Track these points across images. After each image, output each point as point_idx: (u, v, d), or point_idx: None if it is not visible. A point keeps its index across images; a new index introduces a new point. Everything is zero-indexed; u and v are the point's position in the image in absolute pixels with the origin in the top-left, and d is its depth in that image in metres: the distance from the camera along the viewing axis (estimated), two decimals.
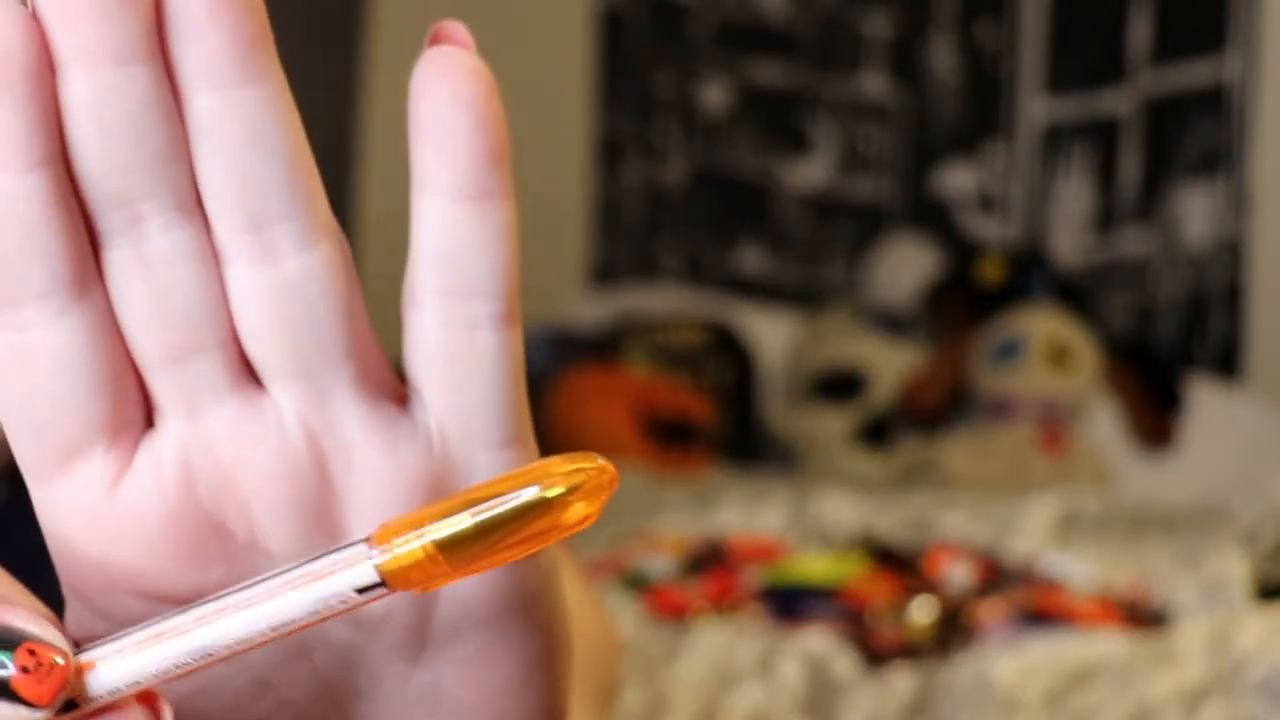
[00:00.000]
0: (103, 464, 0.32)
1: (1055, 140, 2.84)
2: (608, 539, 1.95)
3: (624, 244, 3.11)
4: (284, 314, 0.31)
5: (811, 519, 2.02)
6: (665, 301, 2.93)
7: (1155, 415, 2.60)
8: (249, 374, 0.32)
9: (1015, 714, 1.52)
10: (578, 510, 0.29)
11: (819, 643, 1.61)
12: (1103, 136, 2.82)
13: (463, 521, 0.29)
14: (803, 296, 2.95)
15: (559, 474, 0.29)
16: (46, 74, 0.29)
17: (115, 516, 0.32)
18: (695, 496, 2.14)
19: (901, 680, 1.56)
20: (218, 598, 0.30)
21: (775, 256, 3.01)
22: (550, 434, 2.50)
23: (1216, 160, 2.76)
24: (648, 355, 2.73)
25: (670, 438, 2.57)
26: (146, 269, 0.31)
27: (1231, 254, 2.76)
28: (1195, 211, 2.78)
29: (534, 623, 0.35)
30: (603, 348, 2.77)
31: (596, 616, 0.67)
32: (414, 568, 0.29)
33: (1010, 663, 1.56)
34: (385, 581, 0.29)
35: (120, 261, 0.31)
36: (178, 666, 0.30)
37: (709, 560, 1.85)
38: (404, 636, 0.34)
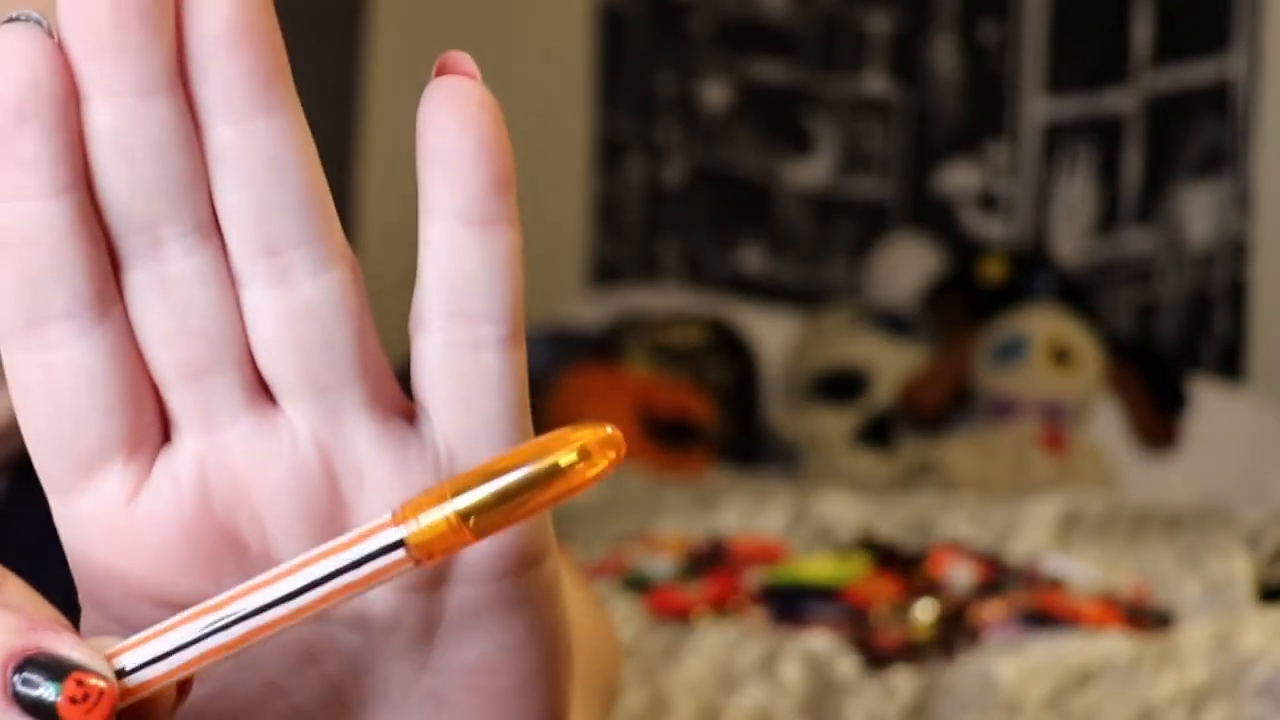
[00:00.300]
0: (121, 477, 0.33)
1: (1057, 139, 2.84)
2: (609, 540, 1.95)
3: (624, 244, 3.11)
4: (298, 335, 0.33)
5: (813, 520, 2.01)
6: (666, 301, 2.93)
7: (1158, 416, 2.60)
8: (264, 392, 0.33)
9: (1017, 715, 1.52)
10: (588, 474, 0.31)
11: (820, 644, 1.60)
12: (1105, 136, 2.81)
13: (483, 491, 0.31)
14: (804, 296, 2.94)
15: (571, 442, 0.31)
16: (72, 103, 0.31)
17: (133, 528, 0.33)
18: (696, 497, 2.14)
19: (903, 681, 1.56)
20: (243, 592, 0.31)
21: (776, 256, 3.01)
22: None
23: (1219, 159, 2.76)
24: (648, 354, 2.73)
25: (671, 438, 2.56)
26: (166, 290, 0.32)
27: (1234, 253, 2.76)
28: (1198, 211, 2.77)
29: (537, 631, 0.36)
30: (603, 347, 2.77)
31: (597, 619, 0.68)
32: (438, 538, 0.31)
33: (1012, 664, 1.56)
34: (411, 552, 0.31)
35: (141, 283, 0.32)
36: (212, 658, 0.31)
37: (710, 561, 1.85)
38: (410, 643, 0.35)
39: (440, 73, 0.33)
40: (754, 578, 1.80)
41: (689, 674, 1.58)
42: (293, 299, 0.32)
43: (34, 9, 0.32)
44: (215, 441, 0.33)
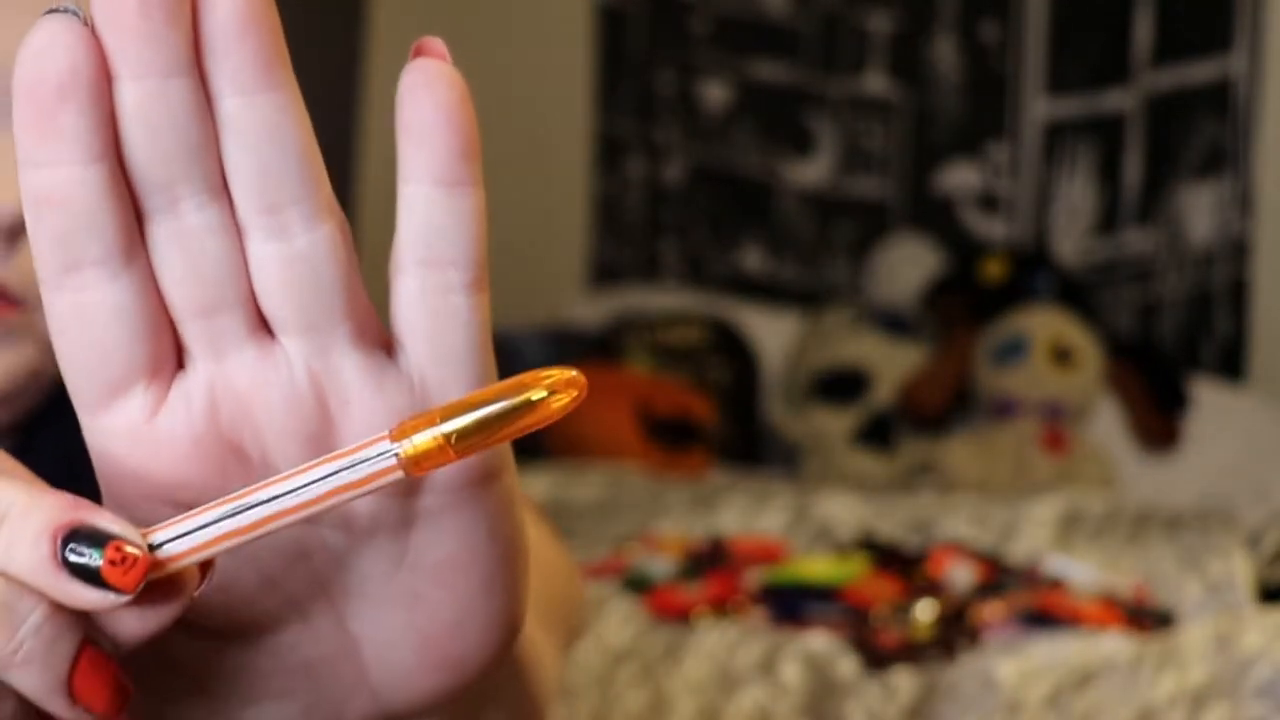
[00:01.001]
0: (143, 398, 0.39)
1: (1058, 139, 2.83)
2: (610, 540, 1.94)
3: (625, 243, 3.11)
4: (293, 279, 0.38)
5: (813, 520, 2.01)
6: (666, 301, 2.92)
7: (1158, 416, 2.59)
8: (264, 327, 0.39)
9: (1018, 715, 1.51)
10: (554, 409, 0.37)
11: (820, 644, 1.60)
12: (1107, 135, 2.81)
13: (468, 419, 0.37)
14: (804, 296, 2.94)
15: (541, 382, 0.37)
16: (105, 84, 0.36)
17: (153, 440, 0.39)
18: (696, 498, 2.13)
19: (903, 682, 1.56)
20: (262, 488, 0.37)
21: (776, 256, 3.00)
22: (551, 434, 2.49)
23: (1220, 159, 2.75)
24: (648, 354, 2.73)
25: (671, 438, 2.56)
26: (182, 240, 0.38)
27: (1235, 253, 2.76)
28: (1199, 210, 2.77)
29: (497, 534, 0.42)
30: (603, 347, 2.76)
31: (561, 565, 0.74)
32: (427, 455, 0.37)
33: (1013, 664, 1.55)
34: (403, 465, 0.37)
35: (161, 234, 0.38)
36: (228, 540, 0.37)
37: (710, 561, 1.85)
38: (388, 544, 0.41)
39: (416, 55, 0.38)
40: (754, 578, 1.80)
41: (689, 674, 1.58)
42: (289, 249, 0.38)
43: (70, 1, 0.37)
44: (223, 368, 0.39)
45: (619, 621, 1.67)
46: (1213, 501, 2.32)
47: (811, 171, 2.97)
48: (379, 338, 0.40)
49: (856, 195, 2.95)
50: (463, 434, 0.37)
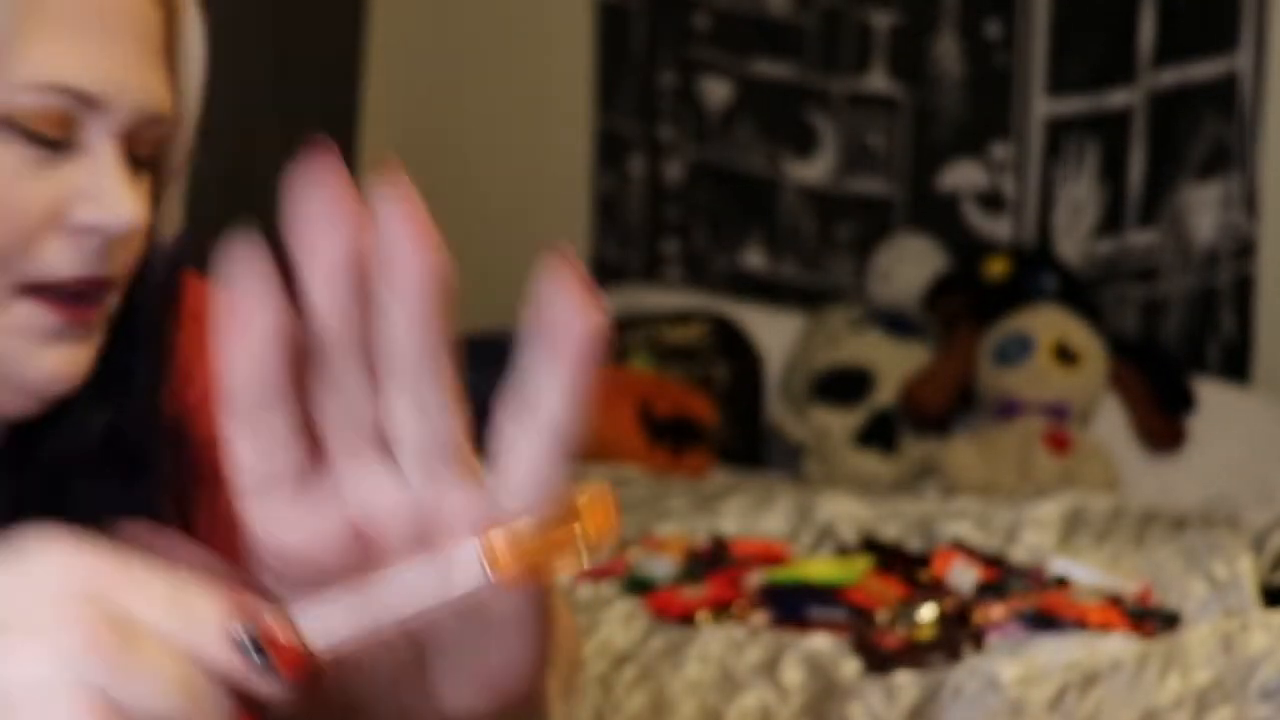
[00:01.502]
0: (296, 496, 0.51)
1: (1062, 137, 2.83)
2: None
3: (626, 242, 3.10)
4: (424, 438, 0.50)
5: (816, 521, 2.00)
6: (667, 300, 2.92)
7: (1162, 416, 2.59)
8: (391, 455, 0.51)
9: (1020, 716, 1.51)
10: (601, 541, 0.49)
11: (823, 645, 1.60)
12: (1110, 134, 2.80)
13: (535, 540, 0.49)
14: (806, 295, 2.93)
15: (589, 517, 0.49)
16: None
17: (300, 530, 0.51)
18: (698, 498, 2.13)
19: (906, 683, 1.55)
20: (384, 580, 0.48)
21: (778, 254, 3.00)
22: None
23: (1225, 157, 2.75)
24: (649, 353, 2.72)
25: (673, 438, 2.55)
26: (344, 403, 0.51)
27: (1240, 252, 2.75)
28: (1203, 209, 2.76)
29: (544, 621, 0.54)
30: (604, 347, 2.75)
31: (563, 609, 0.80)
32: (505, 565, 0.48)
33: (1016, 665, 1.55)
34: (489, 577, 0.48)
35: (330, 402, 0.51)
36: (364, 636, 0.48)
37: (712, 563, 1.84)
38: (470, 621, 0.53)
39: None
40: (756, 579, 1.79)
41: (691, 676, 1.57)
42: (427, 421, 0.50)
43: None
44: (358, 485, 0.51)
45: (620, 623, 1.66)
46: (1217, 502, 2.31)
47: (813, 170, 2.96)
48: (475, 469, 0.51)
49: (859, 194, 2.94)
50: (531, 551, 0.48)
